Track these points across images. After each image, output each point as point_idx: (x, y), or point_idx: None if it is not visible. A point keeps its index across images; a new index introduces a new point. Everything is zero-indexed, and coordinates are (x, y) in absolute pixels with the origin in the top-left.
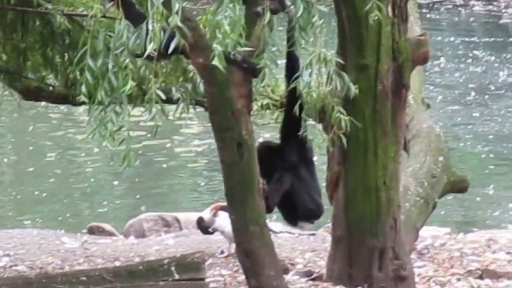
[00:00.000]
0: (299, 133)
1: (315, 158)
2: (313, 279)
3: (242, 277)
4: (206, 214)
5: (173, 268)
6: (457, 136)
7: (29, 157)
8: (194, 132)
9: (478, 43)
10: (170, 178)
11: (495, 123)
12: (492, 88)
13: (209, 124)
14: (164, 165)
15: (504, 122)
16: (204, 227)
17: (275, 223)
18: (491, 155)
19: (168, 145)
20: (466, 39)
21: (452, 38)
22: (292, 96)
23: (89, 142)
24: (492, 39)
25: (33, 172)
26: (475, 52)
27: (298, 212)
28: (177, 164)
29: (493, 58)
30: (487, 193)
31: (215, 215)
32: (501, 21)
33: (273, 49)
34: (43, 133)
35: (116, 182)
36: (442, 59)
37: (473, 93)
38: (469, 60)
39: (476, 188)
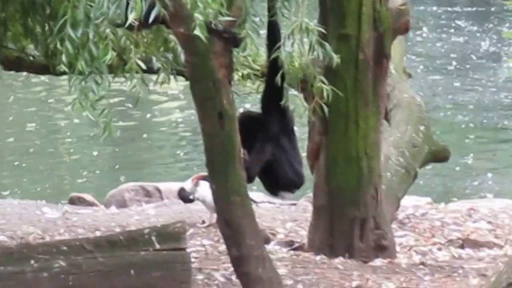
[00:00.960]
0: (280, 103)
1: (296, 128)
2: (295, 249)
3: (223, 247)
4: (188, 185)
5: (154, 238)
6: (438, 106)
7: (9, 127)
8: (174, 102)
9: (460, 13)
10: (150, 149)
11: (476, 93)
12: (474, 58)
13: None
14: (144, 135)
15: (484, 92)
16: (185, 196)
17: (256, 193)
18: (471, 125)
19: (148, 115)
20: (449, 8)
21: (434, 8)
22: (274, 66)
23: (69, 113)
24: (474, 9)
25: (13, 142)
26: (458, 22)
27: (279, 181)
28: (157, 134)
29: (475, 28)
30: (466, 162)
31: (196, 185)
32: None
33: (255, 19)
34: (23, 103)
35: (95, 153)
36: (425, 29)
37: (454, 63)
38: (451, 30)
39: (455, 158)
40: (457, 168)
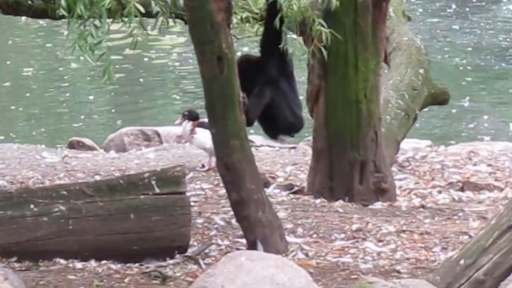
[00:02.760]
0: (279, 46)
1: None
2: (294, 193)
3: (223, 191)
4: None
5: (153, 182)
6: (436, 49)
7: (6, 72)
8: (172, 46)
9: None
10: (148, 92)
11: (474, 35)
12: (474, 0)
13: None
14: (141, 79)
15: (483, 34)
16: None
17: (256, 136)
18: (469, 67)
19: (146, 59)
20: None
21: None
22: (272, 9)
23: (67, 57)
24: None
25: (9, 87)
26: None
27: (278, 125)
28: (155, 78)
29: None
30: (462, 105)
31: (192, 132)
32: None
33: None
34: (21, 47)
35: (92, 97)
36: None
37: (454, 5)
38: None
39: (451, 100)
40: (454, 111)
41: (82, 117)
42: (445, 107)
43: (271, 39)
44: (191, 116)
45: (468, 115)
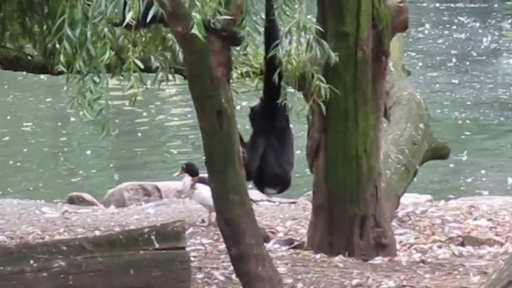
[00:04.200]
0: (275, 101)
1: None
2: (294, 247)
3: (223, 246)
4: (182, 185)
5: (153, 237)
6: (435, 103)
7: (5, 127)
8: (172, 101)
9: (463, 9)
10: (147, 147)
11: (474, 89)
12: (474, 54)
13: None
14: (139, 134)
15: (482, 88)
16: (194, 169)
17: (255, 191)
18: (467, 121)
19: (145, 113)
20: (451, 5)
21: (437, 4)
22: (272, 64)
23: (66, 112)
24: (477, 5)
25: (8, 141)
26: (460, 18)
27: (264, 177)
28: (154, 132)
29: (477, 24)
30: (460, 159)
31: (193, 187)
32: None
33: (254, 17)
34: (22, 102)
35: (90, 152)
36: (427, 26)
37: (454, 60)
38: (454, 27)
39: (451, 154)
40: (452, 165)
41: (81, 171)
42: (444, 161)
43: (269, 93)
44: (190, 169)
45: (466, 169)
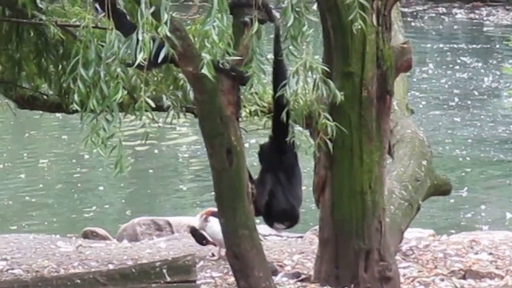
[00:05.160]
0: (283, 138)
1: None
2: (301, 280)
3: (232, 279)
4: (197, 221)
5: (165, 271)
6: (437, 141)
7: (22, 163)
8: (182, 138)
9: (465, 49)
10: (158, 183)
11: (475, 128)
12: (476, 93)
13: (199, 130)
14: (151, 171)
15: (483, 127)
16: (198, 238)
17: (264, 226)
18: (468, 158)
19: (156, 150)
20: (455, 45)
21: (441, 45)
22: (279, 103)
23: (81, 149)
24: (479, 46)
25: (25, 178)
26: (463, 58)
27: (272, 212)
28: (165, 169)
29: (480, 64)
30: (461, 195)
31: (206, 220)
32: (485, 29)
33: (261, 58)
34: (38, 140)
35: (103, 188)
36: (430, 65)
37: (456, 99)
38: (457, 67)
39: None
40: (452, 201)
41: (94, 207)
42: (445, 197)
43: (277, 131)
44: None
45: (466, 205)
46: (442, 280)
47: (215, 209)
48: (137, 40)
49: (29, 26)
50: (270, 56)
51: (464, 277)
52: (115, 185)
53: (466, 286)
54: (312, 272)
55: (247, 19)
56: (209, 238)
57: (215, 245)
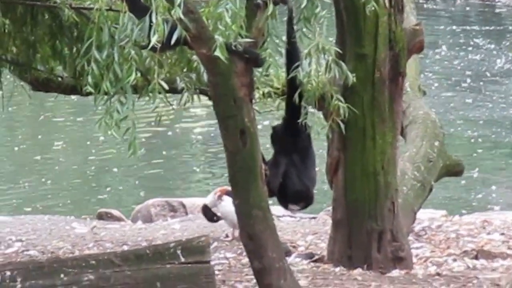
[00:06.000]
0: (296, 120)
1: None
2: (314, 261)
3: (246, 260)
4: (209, 199)
5: (179, 252)
6: (449, 122)
7: (37, 146)
8: (196, 120)
9: (478, 31)
10: (171, 165)
11: (486, 109)
12: (488, 74)
13: (213, 112)
14: (164, 152)
15: (494, 108)
16: (209, 215)
17: (277, 207)
18: (480, 139)
19: (170, 132)
20: (467, 27)
21: (453, 27)
22: (292, 85)
23: (96, 130)
24: (492, 28)
25: (40, 160)
26: (476, 40)
27: (287, 193)
28: (178, 151)
29: (492, 46)
30: (472, 176)
31: (220, 198)
32: (497, 10)
33: (276, 40)
34: (53, 122)
35: (117, 169)
36: (443, 47)
37: (468, 80)
38: (470, 48)
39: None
40: (463, 182)
41: (108, 189)
42: (456, 178)
43: (291, 113)
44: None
45: (477, 186)
46: (455, 260)
47: (229, 188)
48: (151, 22)
49: (44, 9)
50: (284, 38)
51: (476, 257)
52: (129, 167)
53: (479, 266)
54: (325, 253)
55: (259, 1)
56: (220, 216)
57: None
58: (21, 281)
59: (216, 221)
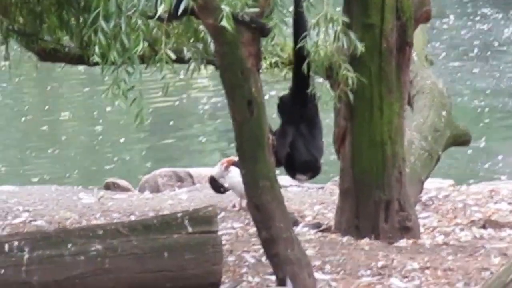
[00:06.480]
0: (305, 90)
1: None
2: (322, 231)
3: (253, 229)
4: (216, 169)
5: (186, 222)
6: (456, 91)
7: (44, 116)
8: (203, 90)
9: (486, 1)
10: (178, 135)
11: (493, 78)
12: (496, 44)
13: (220, 82)
14: (171, 123)
15: (502, 78)
16: (216, 187)
17: (284, 176)
18: (486, 109)
19: (177, 102)
20: None
21: None
22: (300, 55)
23: (103, 101)
24: None
25: (47, 130)
26: (483, 9)
27: (295, 164)
28: (185, 121)
29: (500, 15)
30: (478, 146)
31: (226, 169)
32: None
33: (282, 9)
34: (59, 92)
35: (125, 140)
36: (451, 17)
37: (476, 50)
38: (477, 18)
39: None
40: (469, 151)
41: (115, 159)
42: (462, 147)
43: (298, 83)
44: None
45: (484, 155)
46: (462, 229)
47: (236, 159)
48: None
49: None
50: (291, 8)
51: (483, 227)
52: (136, 137)
53: (486, 236)
54: (332, 223)
55: None
56: (227, 187)
57: None
58: (29, 251)
59: (224, 192)
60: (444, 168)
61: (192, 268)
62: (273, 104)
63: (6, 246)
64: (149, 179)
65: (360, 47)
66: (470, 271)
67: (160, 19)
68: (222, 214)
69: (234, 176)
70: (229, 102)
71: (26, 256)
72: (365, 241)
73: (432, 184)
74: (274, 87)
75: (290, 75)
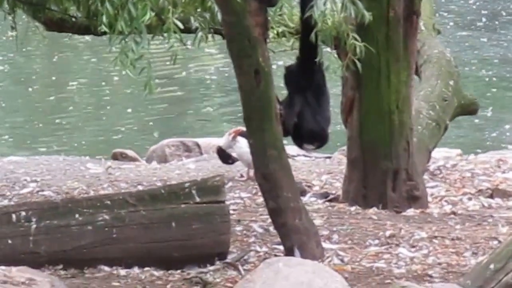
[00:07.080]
0: (313, 60)
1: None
2: (330, 200)
3: (260, 199)
4: (224, 140)
5: (194, 191)
6: (464, 61)
7: (51, 86)
8: (210, 60)
9: None
10: (186, 105)
11: (501, 48)
12: (504, 14)
13: (227, 52)
14: (179, 93)
15: (509, 47)
16: (224, 157)
17: (292, 146)
18: (494, 79)
19: (184, 72)
20: None
21: None
22: (307, 24)
23: (110, 71)
24: None
25: (54, 101)
26: None
27: (302, 133)
28: (193, 91)
29: None
30: (485, 115)
31: (234, 139)
32: None
33: None
34: (67, 63)
35: (131, 110)
36: None
37: (484, 19)
38: None
39: None
40: (476, 121)
41: (123, 129)
42: (469, 117)
43: (306, 53)
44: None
45: (491, 125)
46: (470, 199)
47: (244, 128)
48: None
49: None
50: None
51: (491, 196)
52: (143, 107)
53: (494, 205)
54: (340, 192)
55: None
56: (235, 158)
57: None
58: (36, 221)
59: (232, 163)
60: (452, 137)
61: (199, 238)
62: (280, 74)
63: (14, 216)
64: (156, 149)
65: (368, 16)
66: (478, 240)
67: None
68: (230, 184)
69: (242, 146)
70: (236, 72)
71: (34, 226)
72: (372, 211)
73: (439, 154)
74: (281, 57)
75: (297, 44)
